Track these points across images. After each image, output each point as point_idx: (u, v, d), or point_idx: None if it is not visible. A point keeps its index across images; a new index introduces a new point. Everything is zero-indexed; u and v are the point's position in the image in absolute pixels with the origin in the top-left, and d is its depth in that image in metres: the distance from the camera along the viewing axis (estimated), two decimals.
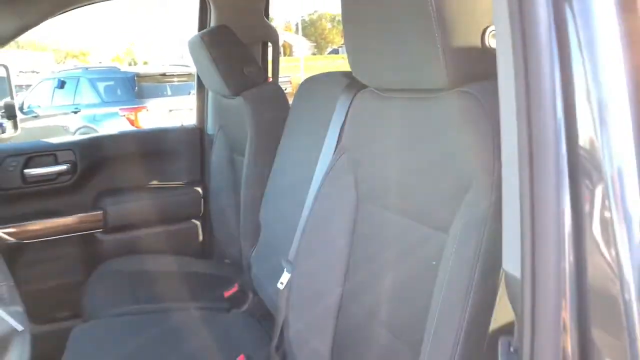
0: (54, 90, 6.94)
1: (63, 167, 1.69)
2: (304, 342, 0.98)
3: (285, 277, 1.09)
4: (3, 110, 2.10)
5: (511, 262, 0.53)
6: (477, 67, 0.68)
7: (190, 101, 6.31)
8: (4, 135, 2.39)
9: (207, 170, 1.88)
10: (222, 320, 1.32)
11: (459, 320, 0.64)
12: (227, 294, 1.44)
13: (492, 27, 0.67)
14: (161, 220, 1.82)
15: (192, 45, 1.54)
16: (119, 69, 7.08)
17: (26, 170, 1.65)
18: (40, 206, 1.70)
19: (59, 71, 7.82)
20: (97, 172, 1.77)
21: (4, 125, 2.41)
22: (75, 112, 6.50)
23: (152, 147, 1.87)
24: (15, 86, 3.29)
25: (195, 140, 1.90)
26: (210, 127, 1.87)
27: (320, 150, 1.07)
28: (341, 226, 0.95)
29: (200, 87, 1.89)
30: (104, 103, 6.34)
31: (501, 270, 0.62)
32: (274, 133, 1.37)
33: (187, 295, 1.46)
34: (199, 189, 1.88)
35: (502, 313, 0.63)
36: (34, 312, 1.38)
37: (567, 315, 0.49)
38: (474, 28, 0.67)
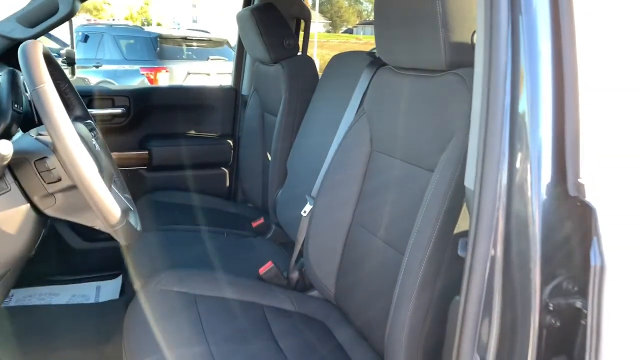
0: (76, 44, 7.15)
1: (118, 111, 1.99)
2: (319, 254, 1.30)
3: (307, 207, 1.41)
4: (64, 58, 2.39)
5: (469, 179, 0.83)
6: (466, 57, 0.96)
7: (208, 67, 6.52)
8: None
9: (238, 126, 2.18)
10: (252, 242, 1.65)
11: (433, 227, 0.94)
12: (254, 224, 1.76)
13: None
14: (196, 165, 2.13)
15: (241, 17, 1.82)
16: (143, 29, 7.30)
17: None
18: None
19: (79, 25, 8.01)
20: (147, 118, 2.06)
21: None
22: (97, 67, 6.73)
23: (193, 101, 2.17)
24: None
25: (230, 98, 2.19)
26: (245, 88, 2.17)
27: (344, 111, 1.37)
28: (356, 169, 1.25)
29: (240, 54, 2.18)
30: (126, 60, 6.55)
31: (465, 192, 0.92)
32: (305, 96, 1.67)
33: (220, 223, 1.78)
34: (230, 142, 2.19)
35: (464, 222, 0.94)
36: (86, 231, 1.70)
37: (499, 229, 0.77)
38: (466, 29, 0.96)
